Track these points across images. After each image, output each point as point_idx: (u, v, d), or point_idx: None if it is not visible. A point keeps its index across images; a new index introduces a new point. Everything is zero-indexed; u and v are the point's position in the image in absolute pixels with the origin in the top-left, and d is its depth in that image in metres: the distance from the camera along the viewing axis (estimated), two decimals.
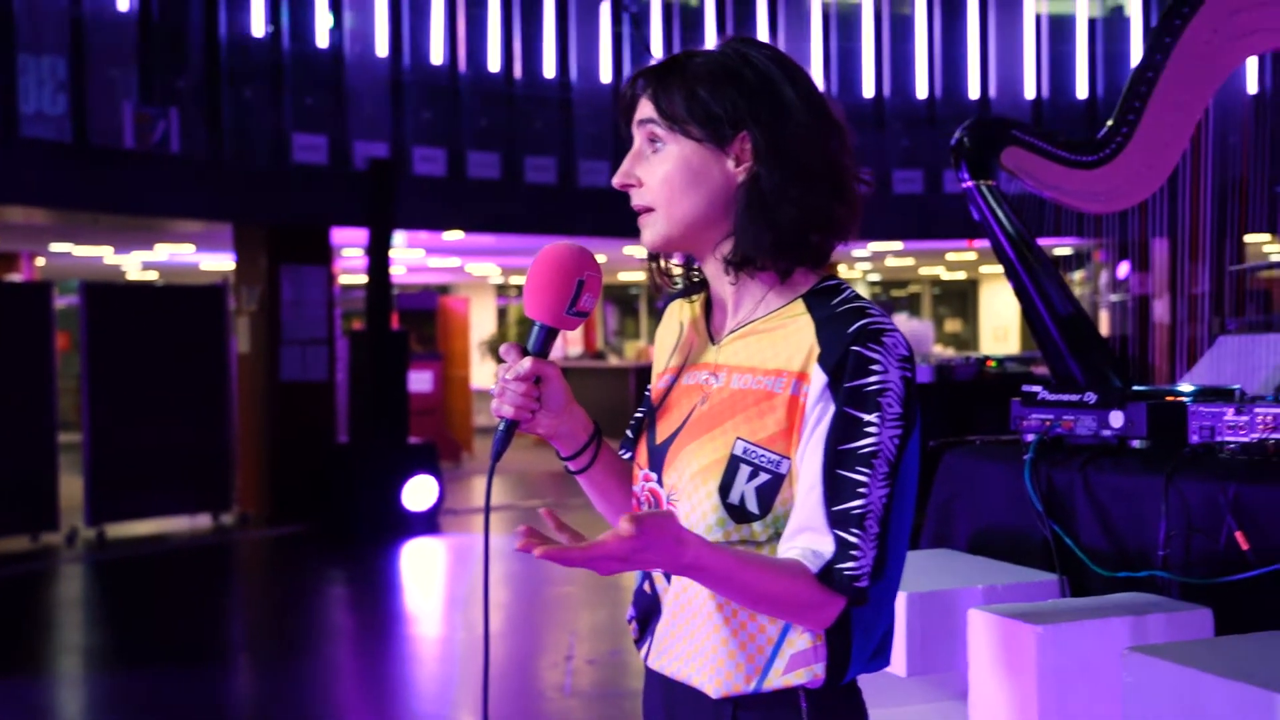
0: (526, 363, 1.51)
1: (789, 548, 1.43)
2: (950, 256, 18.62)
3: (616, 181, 1.55)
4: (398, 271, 17.42)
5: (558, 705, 5.30)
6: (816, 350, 1.45)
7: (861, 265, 20.35)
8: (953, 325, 24.19)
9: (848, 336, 1.43)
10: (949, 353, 18.37)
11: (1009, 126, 3.37)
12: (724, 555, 1.38)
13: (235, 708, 5.61)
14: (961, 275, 22.78)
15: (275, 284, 10.58)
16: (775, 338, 1.50)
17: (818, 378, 1.44)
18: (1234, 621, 2.05)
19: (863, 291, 22.31)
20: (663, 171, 1.52)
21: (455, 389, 15.20)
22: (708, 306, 1.63)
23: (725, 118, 1.49)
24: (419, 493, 9.91)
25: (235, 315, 10.80)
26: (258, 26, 10.80)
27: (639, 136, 1.55)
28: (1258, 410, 2.19)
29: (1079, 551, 2.34)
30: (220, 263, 15.11)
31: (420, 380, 13.52)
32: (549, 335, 1.52)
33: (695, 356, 1.60)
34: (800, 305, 1.51)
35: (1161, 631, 1.99)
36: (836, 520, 1.40)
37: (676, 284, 1.66)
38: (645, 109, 1.53)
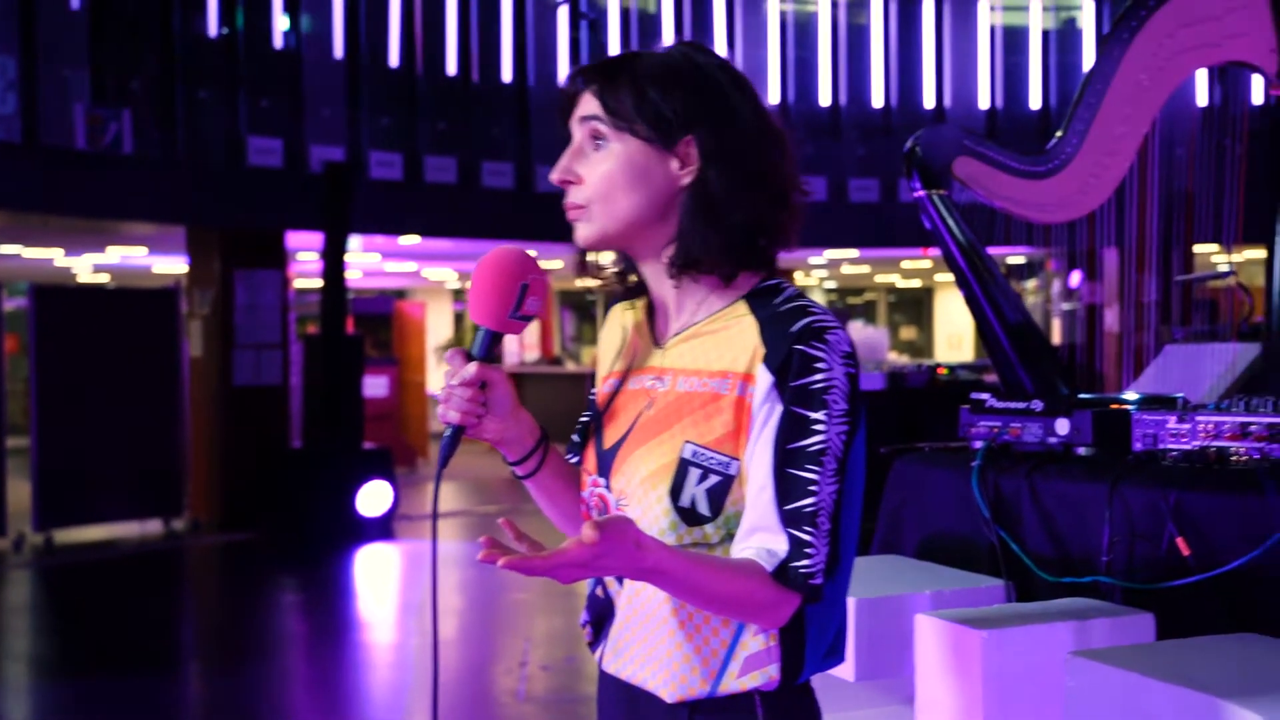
0: (472, 368, 1.50)
1: (743, 548, 1.44)
2: (905, 264, 18.76)
3: (555, 177, 1.54)
4: (353, 276, 17.31)
5: (512, 711, 5.29)
6: (761, 350, 1.46)
7: (818, 273, 20.46)
8: (908, 333, 24.36)
9: (791, 335, 1.44)
10: (904, 360, 18.49)
11: (960, 137, 3.40)
12: (682, 558, 1.38)
13: (186, 716, 5.56)
14: (917, 283, 22.94)
15: (229, 288, 10.50)
16: (719, 339, 1.50)
17: (763, 378, 1.44)
18: (1176, 626, 2.09)
19: (819, 299, 22.46)
20: (605, 169, 1.51)
21: (411, 394, 15.14)
22: (650, 310, 1.62)
23: (674, 119, 1.49)
24: (373, 498, 9.86)
25: (188, 319, 10.70)
26: (213, 27, 10.72)
27: (580, 133, 1.53)
28: (1199, 418, 2.23)
29: (1025, 557, 2.37)
30: (173, 266, 14.97)
31: (375, 385, 13.45)
32: (494, 340, 1.52)
33: (640, 361, 1.60)
34: (743, 306, 1.51)
35: (1105, 636, 2.02)
36: (789, 519, 1.41)
37: (606, 286, 1.65)
38: (589, 105, 1.52)
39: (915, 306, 24.50)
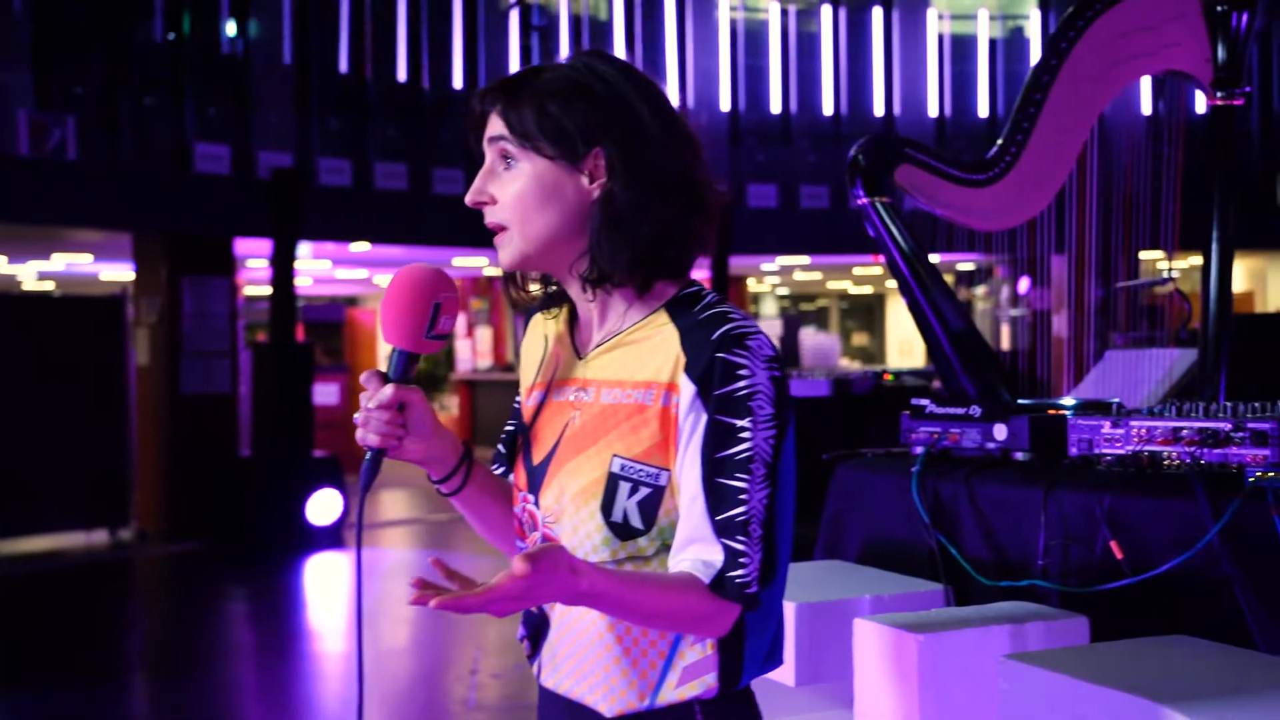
0: (388, 390, 1.48)
1: (678, 560, 1.44)
2: (857, 271, 18.88)
3: (469, 200, 1.53)
4: (304, 283, 17.20)
5: (462, 719, 5.27)
6: (683, 359, 1.45)
7: (770, 279, 20.55)
8: (860, 339, 24.51)
9: (712, 343, 1.43)
10: (855, 366, 18.60)
11: (903, 145, 3.43)
12: (617, 579, 1.38)
13: None
14: (868, 290, 23.09)
15: (176, 295, 10.39)
16: (641, 349, 1.50)
17: (686, 387, 1.44)
18: (1110, 628, 2.11)
19: (770, 306, 22.56)
20: (515, 189, 1.50)
21: None
22: (572, 320, 1.62)
23: (577, 134, 1.48)
24: (323, 507, 9.79)
25: (134, 327, 10.59)
26: (159, 32, 10.62)
27: (490, 153, 1.53)
28: (1133, 423, 2.26)
29: (963, 561, 2.39)
30: (120, 273, 14.81)
31: (326, 393, 13.37)
32: (409, 361, 1.49)
33: (563, 372, 1.59)
34: (664, 315, 1.51)
35: (1040, 639, 2.04)
36: (722, 529, 1.41)
37: (533, 296, 1.64)
38: (496, 126, 1.52)
39: (867, 313, 24.66)
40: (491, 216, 1.53)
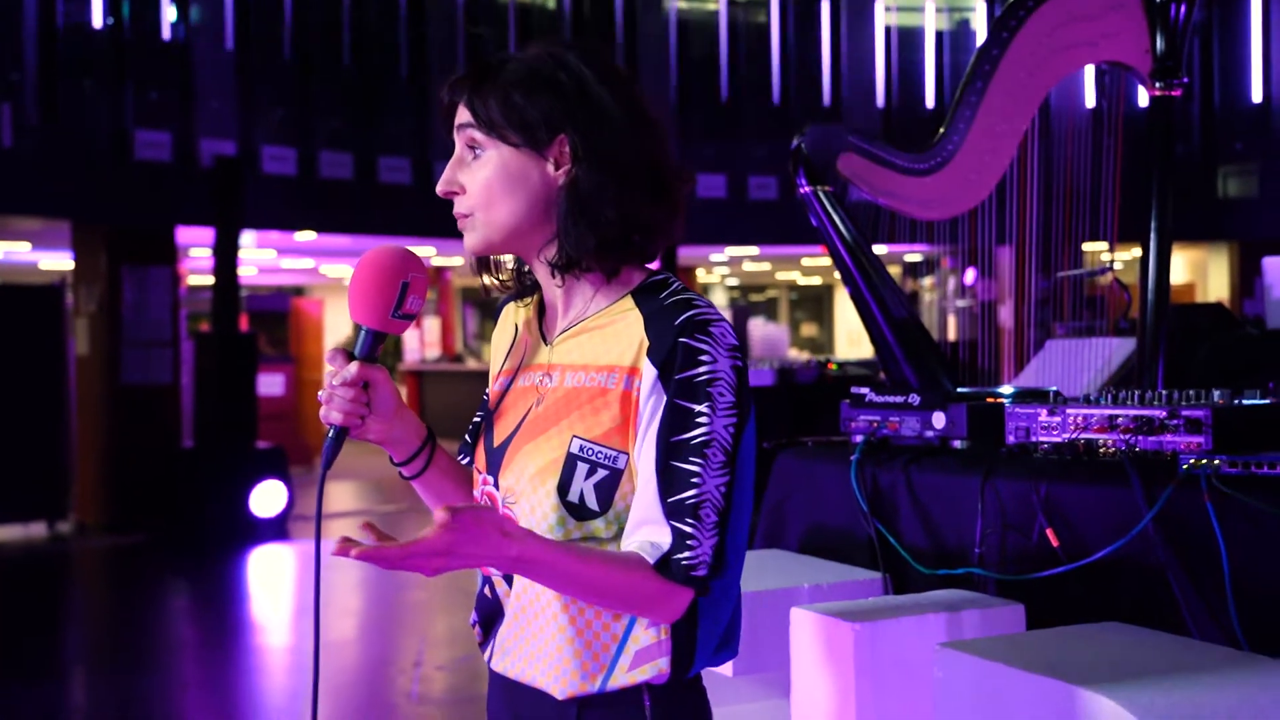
0: (353, 368, 1.49)
1: (629, 541, 1.44)
2: (806, 262, 18.96)
3: (440, 190, 1.55)
4: (249, 273, 17.04)
5: (406, 711, 5.24)
6: (646, 344, 1.46)
7: (719, 270, 20.59)
8: (809, 329, 24.63)
9: (675, 329, 1.44)
10: (804, 356, 18.68)
11: (845, 133, 3.43)
12: (558, 549, 1.37)
13: None
14: (817, 280, 23.20)
15: (116, 284, 10.24)
16: (606, 334, 1.51)
17: (648, 371, 1.45)
18: (1046, 615, 2.12)
19: (720, 296, 22.61)
20: (482, 177, 1.52)
21: (309, 392, 14.92)
22: (540, 308, 1.63)
23: (541, 122, 1.49)
24: (267, 498, 9.70)
25: (74, 316, 10.43)
26: (98, 17, 10.44)
27: (459, 143, 1.55)
28: (1069, 411, 2.27)
29: (901, 549, 2.39)
30: (59, 262, 14.59)
31: (271, 383, 13.23)
32: (375, 340, 1.50)
33: (529, 358, 1.60)
34: (629, 301, 1.52)
35: (976, 627, 2.04)
36: (672, 511, 1.41)
37: (508, 286, 1.66)
38: (463, 115, 1.53)
39: (816, 303, 24.78)
40: (460, 205, 1.55)
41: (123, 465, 10.20)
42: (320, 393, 1.52)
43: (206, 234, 10.26)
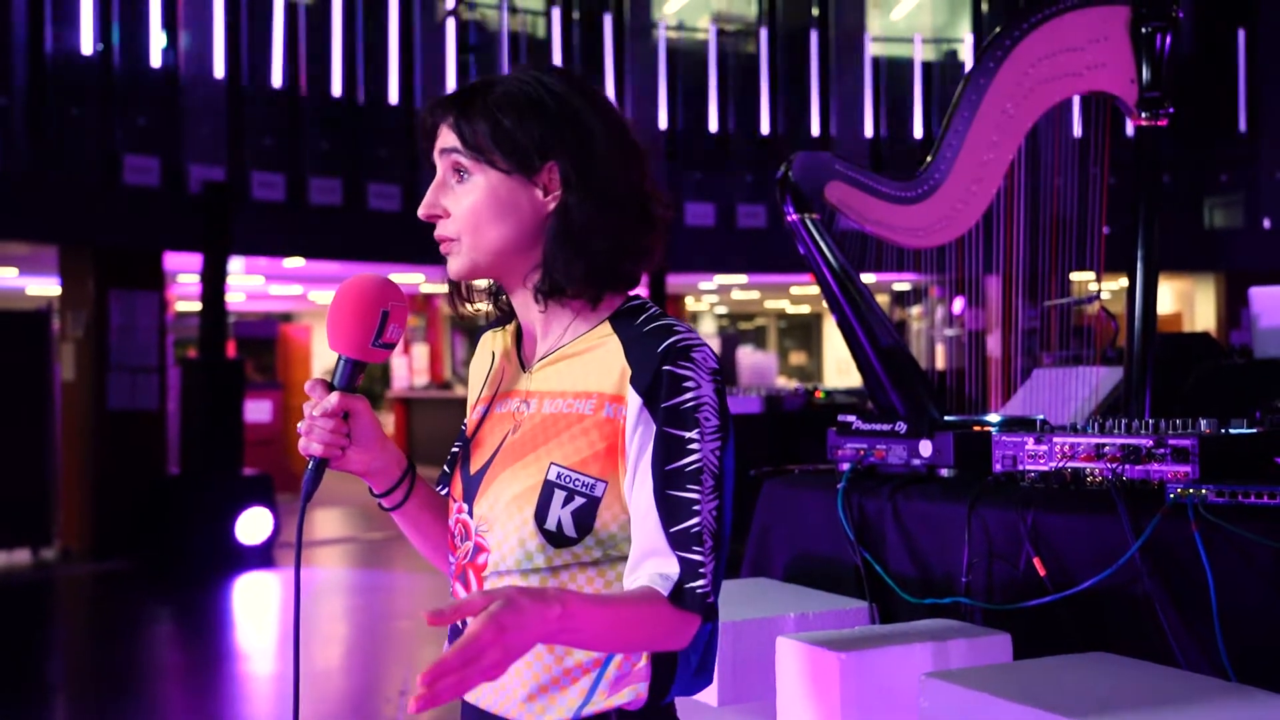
0: (333, 398, 1.47)
1: (635, 576, 1.42)
2: (795, 290, 18.98)
3: (422, 213, 1.53)
4: (237, 299, 17.00)
5: None
6: (629, 371, 1.45)
7: (708, 298, 20.60)
8: (797, 358, 24.63)
9: (657, 356, 1.43)
10: (793, 384, 18.68)
11: (832, 161, 3.43)
12: (585, 597, 1.33)
13: None
14: (806, 309, 23.23)
15: (104, 309, 10.21)
16: (585, 361, 1.50)
17: (633, 399, 1.44)
18: (1032, 645, 2.11)
19: (709, 324, 22.62)
20: (469, 202, 1.50)
21: (296, 419, 14.82)
22: (518, 335, 1.62)
23: (532, 147, 1.48)
24: (253, 526, 9.64)
25: (60, 341, 10.39)
26: (87, 43, 10.44)
27: (442, 166, 1.52)
28: (1056, 440, 2.26)
29: (888, 578, 2.38)
30: (46, 287, 14.55)
31: (258, 410, 13.19)
32: (355, 369, 1.48)
33: (507, 385, 1.59)
34: (607, 327, 1.51)
35: (962, 657, 2.02)
36: (677, 541, 1.40)
37: (479, 310, 1.64)
38: (448, 139, 1.51)
39: (805, 332, 24.79)
40: (443, 229, 1.52)
41: (108, 492, 10.14)
42: (300, 424, 1.50)
43: (194, 260, 10.25)
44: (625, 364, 1.46)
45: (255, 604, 8.73)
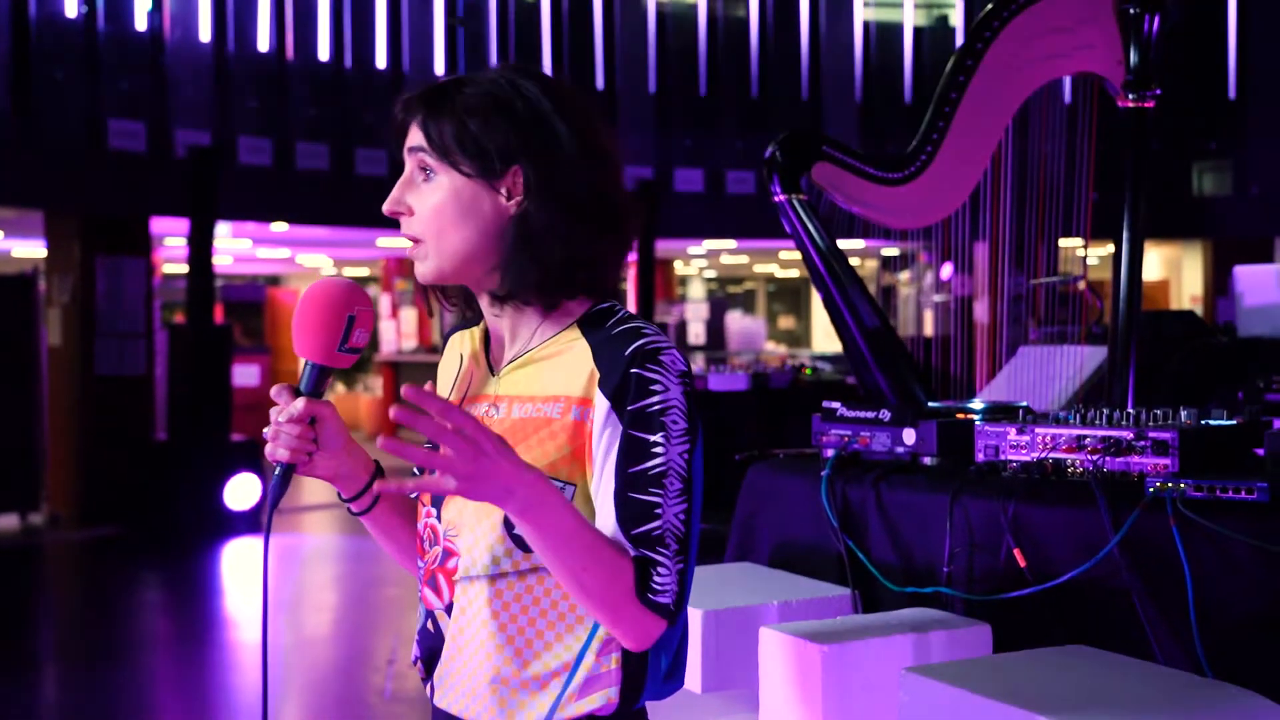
0: (299, 404, 1.47)
1: None
2: (783, 255, 18.96)
3: (387, 209, 1.52)
4: (224, 262, 16.93)
5: (378, 710, 5.23)
6: (597, 374, 1.45)
7: (697, 262, 20.58)
8: (786, 322, 24.65)
9: (625, 359, 1.43)
10: (781, 349, 18.70)
11: (819, 142, 3.44)
12: (565, 501, 1.35)
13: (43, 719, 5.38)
14: (795, 274, 23.21)
15: (90, 274, 10.17)
16: (553, 364, 1.49)
17: (600, 403, 1.44)
18: (1012, 636, 2.13)
19: (698, 289, 22.60)
20: (433, 202, 1.49)
21: (285, 382, 14.86)
22: (486, 338, 1.61)
23: (496, 152, 1.47)
24: (241, 491, 9.66)
25: (46, 306, 10.35)
26: (71, 6, 10.34)
27: (410, 163, 1.52)
28: (1038, 430, 2.28)
29: (871, 566, 2.40)
30: (31, 251, 14.48)
31: (246, 374, 13.17)
32: (321, 374, 1.48)
33: (476, 389, 1.58)
34: (575, 330, 1.50)
35: (942, 648, 2.05)
36: (636, 543, 1.40)
37: (452, 308, 1.63)
38: (415, 137, 1.51)
39: (794, 296, 24.80)
40: (408, 228, 1.52)
41: (96, 457, 10.14)
42: (266, 430, 1.50)
43: (181, 224, 10.19)
44: (594, 367, 1.46)
45: (243, 570, 8.76)
